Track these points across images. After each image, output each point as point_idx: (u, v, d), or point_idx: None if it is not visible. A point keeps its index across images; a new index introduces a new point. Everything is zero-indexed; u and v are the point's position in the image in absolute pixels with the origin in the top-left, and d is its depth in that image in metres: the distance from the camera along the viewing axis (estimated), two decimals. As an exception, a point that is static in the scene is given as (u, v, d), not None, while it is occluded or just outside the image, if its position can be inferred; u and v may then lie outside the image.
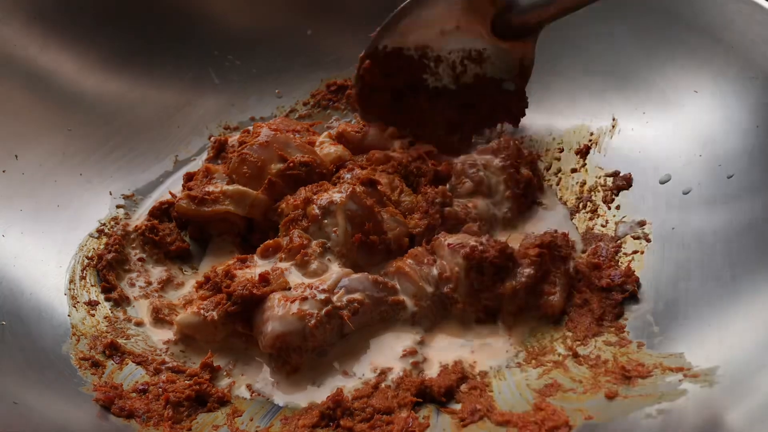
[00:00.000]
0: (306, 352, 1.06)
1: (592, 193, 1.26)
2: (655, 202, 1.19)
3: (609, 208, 1.23)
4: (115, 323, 1.12)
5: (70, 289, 1.13)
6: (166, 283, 1.19)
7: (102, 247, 1.20)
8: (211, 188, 1.23)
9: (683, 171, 1.19)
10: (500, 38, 1.29)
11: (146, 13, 1.41)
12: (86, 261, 1.18)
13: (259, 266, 1.15)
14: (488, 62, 1.32)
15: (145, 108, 1.39)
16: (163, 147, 1.37)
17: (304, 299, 1.07)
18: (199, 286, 1.16)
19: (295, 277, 1.12)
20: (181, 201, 1.23)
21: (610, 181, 1.26)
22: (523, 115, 1.34)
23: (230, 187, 1.23)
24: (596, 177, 1.28)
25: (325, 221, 1.15)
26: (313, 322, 1.05)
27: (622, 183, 1.24)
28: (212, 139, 1.35)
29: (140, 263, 1.21)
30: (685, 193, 1.16)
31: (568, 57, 1.35)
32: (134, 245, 1.22)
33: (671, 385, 0.93)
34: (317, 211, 1.16)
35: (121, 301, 1.15)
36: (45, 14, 1.35)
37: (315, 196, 1.18)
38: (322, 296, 1.08)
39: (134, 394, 1.00)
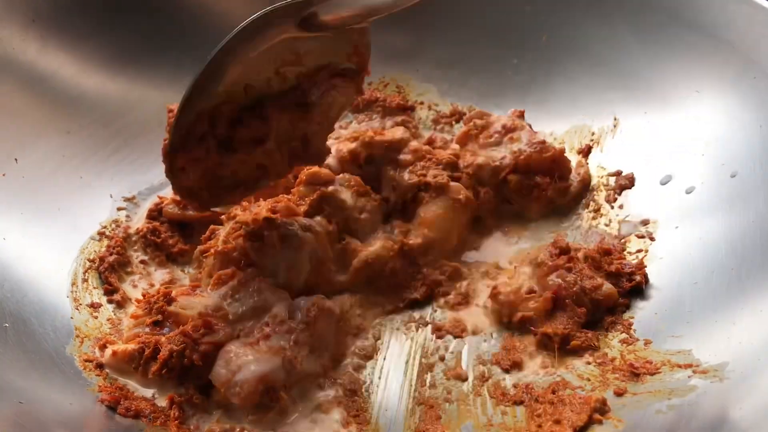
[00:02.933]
0: (291, 389, 1.00)
1: (595, 192, 1.26)
2: (658, 201, 1.19)
3: (612, 208, 1.23)
4: (118, 325, 1.11)
5: (72, 292, 1.12)
6: (168, 285, 1.17)
7: (103, 249, 1.19)
8: None
9: (686, 170, 1.19)
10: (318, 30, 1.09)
11: (145, 14, 1.41)
12: (88, 263, 1.17)
13: (208, 297, 1.08)
14: (309, 56, 1.10)
15: (145, 110, 1.38)
16: (163, 149, 1.36)
17: (267, 337, 1.01)
18: (138, 303, 1.12)
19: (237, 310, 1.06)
20: (168, 206, 1.24)
21: (612, 180, 1.26)
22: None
23: None
24: (599, 176, 1.28)
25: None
26: (288, 353, 1.00)
27: (624, 182, 1.24)
28: None
29: (142, 265, 1.20)
30: (688, 192, 1.16)
31: (569, 57, 1.35)
32: (136, 247, 1.22)
33: (681, 381, 0.93)
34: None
35: (123, 304, 1.14)
36: (43, 16, 1.34)
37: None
38: (283, 327, 1.02)
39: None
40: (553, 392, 0.98)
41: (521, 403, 0.99)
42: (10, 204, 1.17)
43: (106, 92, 1.37)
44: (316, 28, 1.08)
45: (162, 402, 0.99)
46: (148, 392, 1.01)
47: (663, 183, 1.21)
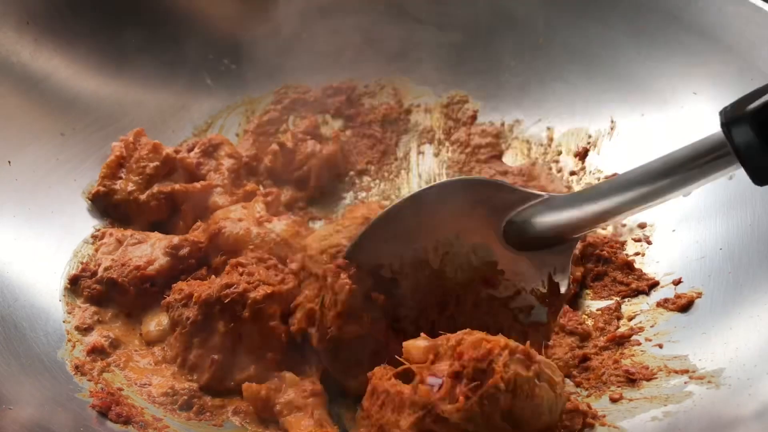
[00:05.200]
0: None
1: (593, 194, 1.26)
2: (654, 204, 1.19)
3: (609, 210, 1.23)
4: (113, 327, 1.11)
5: (65, 295, 1.12)
6: (162, 289, 1.17)
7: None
8: None
9: (683, 172, 1.18)
10: (517, 249, 0.99)
11: (140, 17, 1.40)
12: (81, 267, 1.16)
13: None
14: (503, 279, 1.00)
15: (140, 112, 1.37)
16: (157, 152, 1.35)
17: None
18: None
19: None
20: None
21: (609, 183, 1.25)
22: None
23: None
24: (596, 179, 1.27)
25: None
26: None
27: (621, 185, 1.24)
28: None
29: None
30: (685, 196, 1.16)
31: (565, 59, 1.34)
32: (130, 250, 1.21)
33: (676, 387, 0.92)
34: None
35: (117, 307, 1.14)
36: (37, 19, 1.33)
37: None
38: None
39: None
40: (548, 398, 0.97)
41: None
42: (2, 207, 1.16)
43: (100, 95, 1.36)
44: (522, 243, 0.98)
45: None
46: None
47: (659, 187, 1.20)
